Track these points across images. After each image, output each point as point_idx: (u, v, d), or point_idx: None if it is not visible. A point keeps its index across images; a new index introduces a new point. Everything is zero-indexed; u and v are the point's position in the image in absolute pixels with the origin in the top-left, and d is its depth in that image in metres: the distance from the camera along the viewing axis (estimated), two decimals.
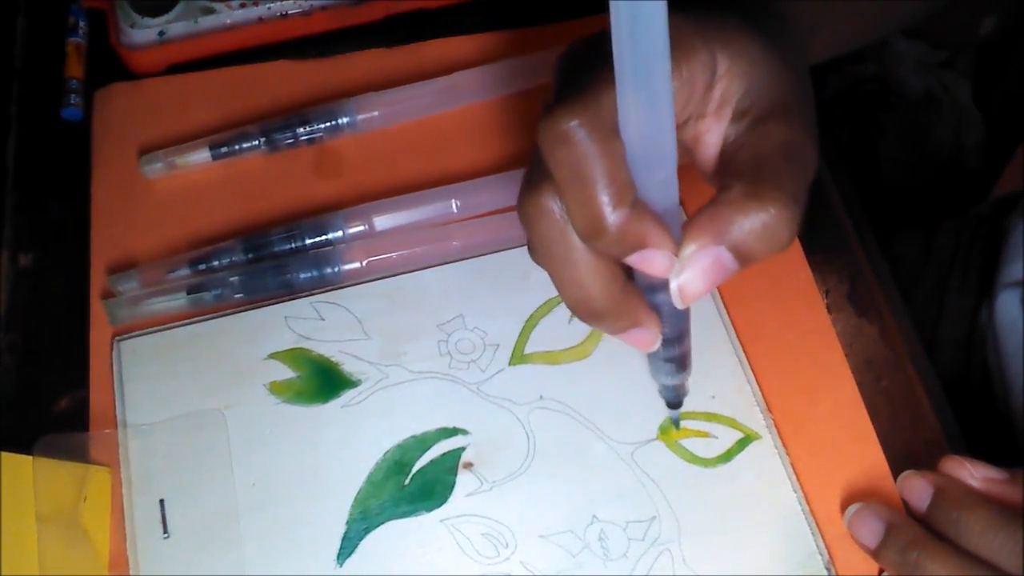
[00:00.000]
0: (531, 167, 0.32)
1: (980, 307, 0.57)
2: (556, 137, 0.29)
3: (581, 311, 0.33)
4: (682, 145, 0.33)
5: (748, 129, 0.31)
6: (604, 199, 0.28)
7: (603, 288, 0.32)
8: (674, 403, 0.39)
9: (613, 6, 0.25)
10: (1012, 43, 0.98)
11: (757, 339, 0.45)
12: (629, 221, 0.29)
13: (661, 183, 0.29)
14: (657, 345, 0.34)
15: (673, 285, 0.30)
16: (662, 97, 0.27)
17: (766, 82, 0.32)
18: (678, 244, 0.30)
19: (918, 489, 0.39)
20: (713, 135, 0.32)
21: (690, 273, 0.30)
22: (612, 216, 0.29)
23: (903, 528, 0.38)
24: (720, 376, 0.44)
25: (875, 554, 0.39)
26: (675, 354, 0.35)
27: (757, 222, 0.29)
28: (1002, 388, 0.54)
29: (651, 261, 0.30)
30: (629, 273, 0.32)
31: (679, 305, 0.31)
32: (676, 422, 0.42)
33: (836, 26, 0.41)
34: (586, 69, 0.30)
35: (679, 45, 0.30)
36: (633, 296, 0.32)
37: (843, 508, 0.41)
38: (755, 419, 0.43)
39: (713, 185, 0.33)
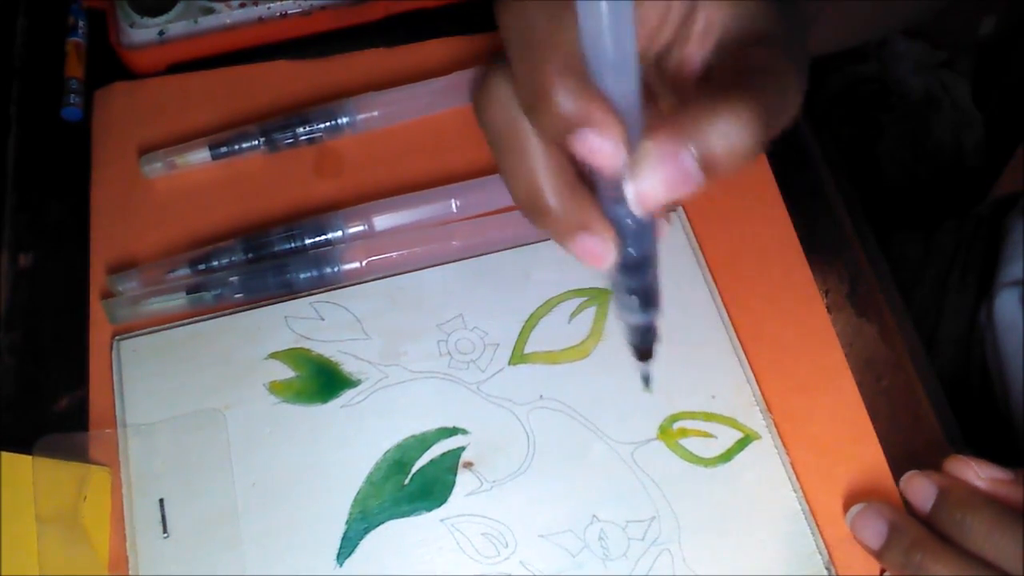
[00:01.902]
0: (488, 57, 0.31)
1: (980, 307, 0.57)
2: (509, 3, 0.28)
3: (526, 205, 0.31)
4: (667, 74, 0.33)
5: (731, 56, 0.31)
6: (549, 67, 0.27)
7: (549, 180, 0.30)
8: (642, 349, 0.35)
9: None
10: (1012, 43, 0.98)
11: (757, 339, 0.45)
12: (572, 93, 0.27)
13: (617, 69, 0.27)
14: (611, 259, 0.31)
15: (630, 190, 0.28)
16: None
17: (753, 11, 0.31)
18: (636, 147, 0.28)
19: (922, 489, 0.39)
20: (696, 60, 0.31)
21: (649, 173, 0.28)
22: (555, 85, 0.27)
23: (907, 529, 0.38)
24: (720, 376, 0.44)
25: (878, 555, 0.39)
26: (639, 284, 0.32)
27: (722, 124, 0.27)
28: (1002, 387, 0.54)
29: (594, 145, 0.28)
30: (592, 190, 0.31)
31: (637, 211, 0.29)
32: (647, 380, 0.36)
33: (838, 19, 0.41)
34: None
35: None
36: (584, 198, 0.31)
37: (843, 508, 0.41)
38: (755, 419, 0.43)
39: None
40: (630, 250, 0.31)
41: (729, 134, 0.27)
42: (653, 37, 0.31)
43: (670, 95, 0.33)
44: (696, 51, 0.31)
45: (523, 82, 0.28)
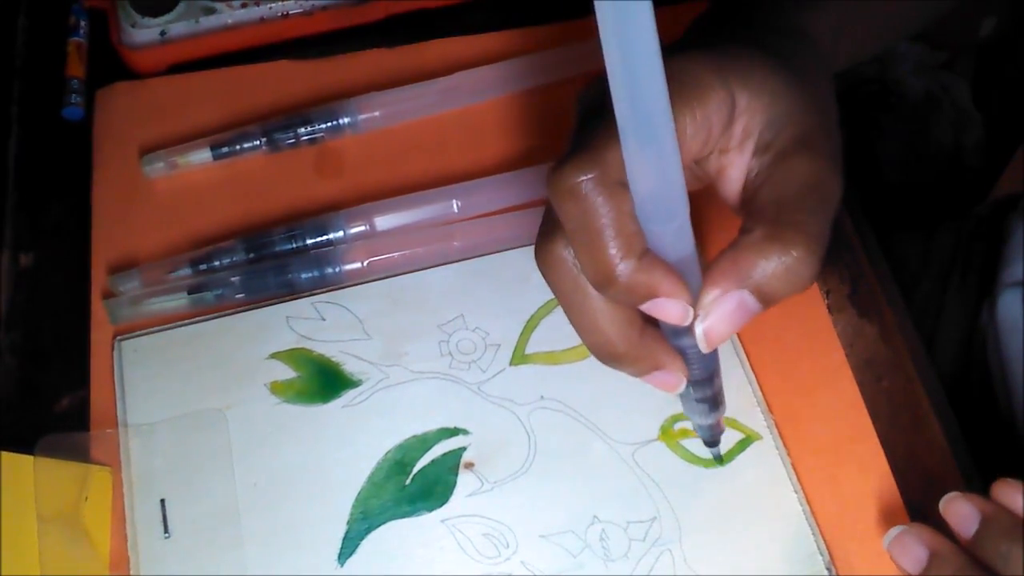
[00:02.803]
0: (545, 217, 0.33)
1: (980, 307, 0.57)
2: (564, 191, 0.29)
3: (600, 354, 0.33)
4: (706, 177, 0.34)
5: (771, 163, 0.31)
6: (612, 251, 0.29)
7: (619, 333, 0.32)
8: (711, 442, 0.39)
9: (609, 68, 0.25)
10: (1012, 44, 0.98)
11: (758, 339, 0.45)
12: (638, 272, 0.29)
13: (673, 233, 0.30)
14: (682, 387, 0.34)
15: (698, 330, 0.31)
16: (668, 152, 0.27)
17: (788, 114, 0.32)
18: (698, 289, 0.30)
19: (964, 515, 0.36)
20: (736, 168, 0.32)
21: (714, 318, 0.30)
22: (620, 267, 0.29)
23: (947, 558, 0.36)
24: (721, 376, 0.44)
25: None
26: (707, 394, 0.36)
27: (779, 265, 0.29)
28: (1003, 388, 0.54)
29: (665, 309, 0.30)
30: (651, 318, 0.32)
31: (704, 349, 0.31)
32: (718, 458, 0.41)
33: (858, 34, 0.41)
34: (598, 118, 0.30)
35: (694, 86, 0.30)
36: (652, 340, 0.33)
37: (844, 508, 0.41)
38: (756, 419, 0.43)
39: (738, 216, 0.33)
40: (696, 370, 0.34)
41: (787, 274, 0.30)
42: (696, 156, 0.32)
43: (712, 186, 0.34)
44: (735, 158, 0.32)
45: (589, 266, 0.30)
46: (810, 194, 0.31)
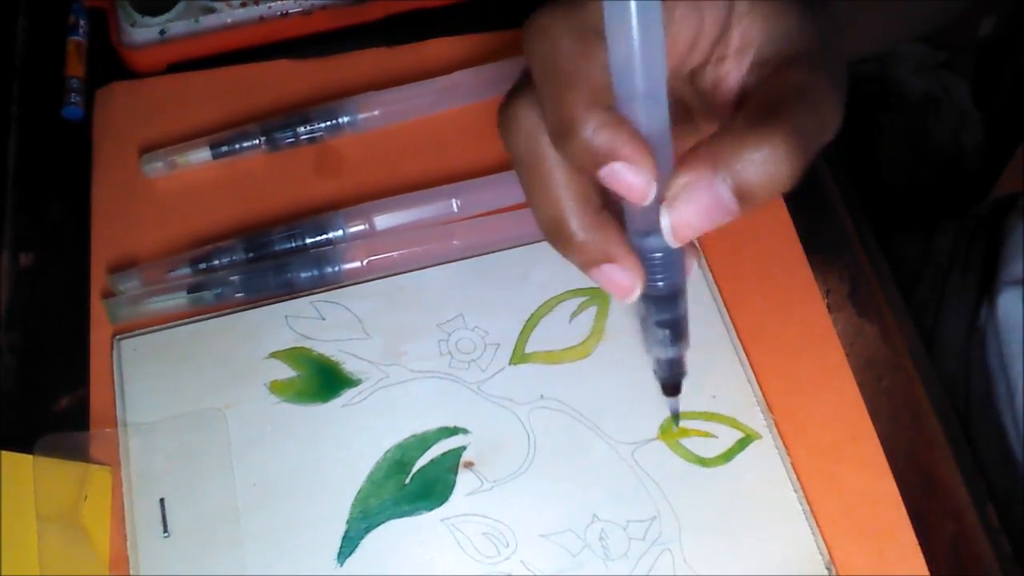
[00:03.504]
0: (516, 80, 0.31)
1: (980, 307, 0.58)
2: (537, 30, 0.28)
3: (549, 231, 0.31)
4: (702, 93, 0.32)
5: (768, 76, 0.30)
6: (577, 98, 0.27)
7: (574, 207, 0.30)
8: (670, 384, 0.35)
9: None
10: (1011, 44, 0.98)
11: (757, 339, 0.45)
12: (601, 126, 0.27)
13: (647, 100, 0.27)
14: (638, 291, 0.31)
15: (664, 222, 0.28)
16: (650, 7, 0.25)
17: (789, 29, 0.30)
18: (668, 175, 0.28)
19: None
20: (732, 80, 0.31)
21: (683, 206, 0.28)
22: (584, 116, 0.27)
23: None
24: (720, 376, 0.44)
25: None
26: (668, 317, 0.32)
27: (757, 154, 0.27)
28: (1004, 387, 0.54)
29: (625, 179, 0.27)
30: (618, 218, 0.30)
31: (671, 242, 0.29)
32: (675, 415, 0.39)
33: (862, 29, 0.40)
34: None
35: None
36: (609, 228, 0.30)
37: (844, 508, 0.41)
38: (755, 419, 0.43)
39: None
40: (659, 283, 0.31)
41: (764, 164, 0.27)
42: (685, 56, 0.31)
43: (706, 112, 0.33)
44: (732, 70, 0.31)
45: (551, 113, 0.28)
46: (801, 97, 0.28)
